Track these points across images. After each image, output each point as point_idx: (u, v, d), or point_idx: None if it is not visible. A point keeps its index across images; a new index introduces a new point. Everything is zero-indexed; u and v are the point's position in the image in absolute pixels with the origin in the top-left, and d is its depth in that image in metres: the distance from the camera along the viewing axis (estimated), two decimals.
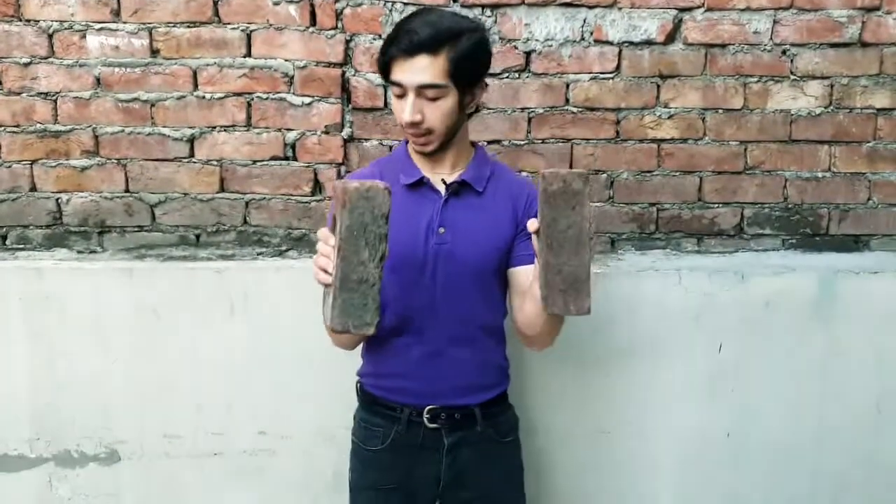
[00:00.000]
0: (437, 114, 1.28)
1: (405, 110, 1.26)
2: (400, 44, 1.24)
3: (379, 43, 1.78)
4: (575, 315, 1.12)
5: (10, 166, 1.81)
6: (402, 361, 1.39)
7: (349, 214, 1.05)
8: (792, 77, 1.85)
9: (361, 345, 1.47)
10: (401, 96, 1.28)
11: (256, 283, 1.78)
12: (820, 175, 1.90)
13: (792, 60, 1.84)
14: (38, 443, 1.80)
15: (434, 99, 1.26)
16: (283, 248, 1.86)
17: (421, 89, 1.25)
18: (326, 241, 1.15)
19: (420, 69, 1.23)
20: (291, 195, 1.84)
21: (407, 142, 1.44)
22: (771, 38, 1.83)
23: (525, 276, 1.38)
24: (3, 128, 1.79)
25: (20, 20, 1.75)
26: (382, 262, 1.08)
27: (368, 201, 1.05)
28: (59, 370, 1.78)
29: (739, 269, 1.83)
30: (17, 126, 1.79)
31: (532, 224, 1.16)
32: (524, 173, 1.82)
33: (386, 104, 1.81)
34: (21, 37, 1.75)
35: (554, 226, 1.09)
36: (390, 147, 1.83)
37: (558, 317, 1.31)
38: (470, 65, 1.28)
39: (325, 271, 1.13)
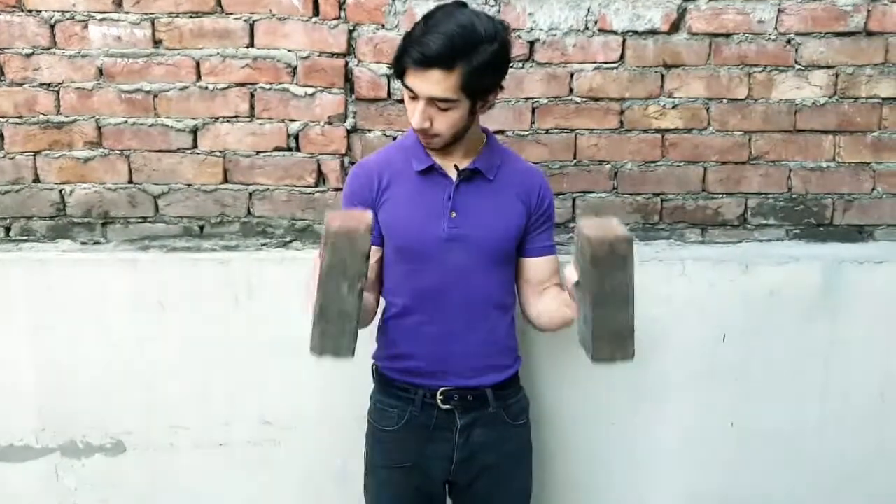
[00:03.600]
0: (446, 122, 1.30)
1: (415, 116, 1.28)
2: (412, 56, 1.22)
3: (383, 32, 1.77)
4: (618, 361, 1.14)
5: (13, 157, 1.80)
6: (415, 343, 1.43)
7: (331, 253, 1.08)
8: (797, 66, 1.84)
9: (375, 328, 1.49)
10: (413, 99, 1.29)
11: (260, 273, 1.78)
12: (824, 165, 1.89)
13: (797, 50, 1.83)
14: (43, 433, 1.81)
15: (445, 109, 1.27)
16: (287, 239, 1.86)
17: (432, 99, 1.26)
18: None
19: (433, 82, 1.23)
20: (295, 186, 1.84)
21: None
22: (775, 28, 1.82)
23: (538, 267, 1.46)
24: (5, 119, 1.78)
25: (22, 10, 1.74)
26: (362, 293, 1.12)
27: (349, 241, 1.08)
28: (64, 361, 1.78)
29: (743, 259, 1.83)
30: (20, 117, 1.78)
31: (570, 277, 1.18)
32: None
33: (389, 95, 1.81)
34: (23, 27, 1.74)
35: (600, 287, 1.10)
36: (394, 137, 1.82)
37: (569, 320, 1.36)
38: (485, 78, 1.26)
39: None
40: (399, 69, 1.27)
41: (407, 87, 1.27)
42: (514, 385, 1.51)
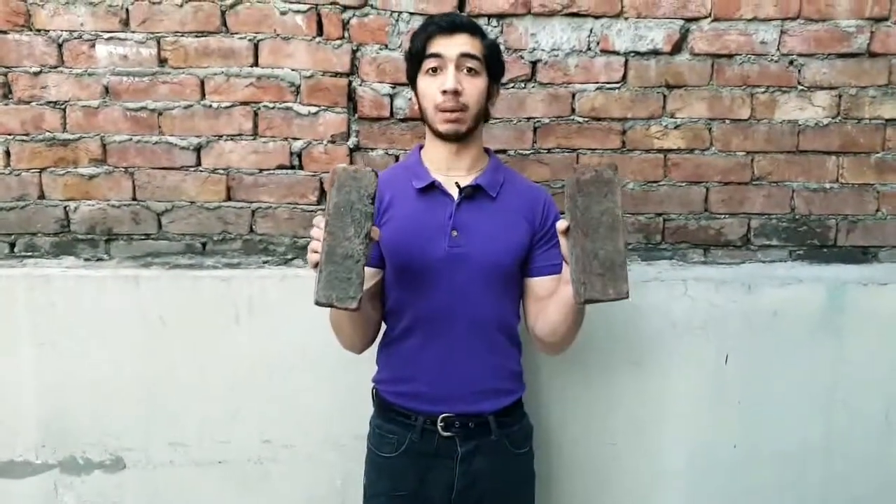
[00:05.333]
0: (474, 89, 1.34)
1: (447, 79, 1.32)
2: (441, 23, 1.35)
3: (386, 52, 1.79)
4: (613, 299, 1.13)
5: (18, 174, 1.82)
6: (416, 365, 1.40)
7: (337, 193, 1.13)
8: (799, 87, 1.84)
9: (376, 350, 1.48)
10: (435, 73, 1.34)
11: (262, 291, 1.78)
12: (828, 186, 1.88)
13: (799, 71, 1.83)
14: (43, 449, 1.81)
15: (471, 74, 1.34)
16: (289, 256, 1.87)
17: (461, 60, 1.32)
18: (319, 225, 1.19)
19: (461, 42, 1.34)
20: (297, 204, 1.84)
21: (420, 147, 1.46)
22: (778, 49, 1.82)
23: (546, 286, 1.40)
24: (12, 136, 1.80)
25: (31, 30, 1.76)
26: (368, 241, 1.15)
27: (356, 181, 1.14)
28: (66, 377, 1.78)
29: (746, 280, 1.82)
30: (27, 134, 1.80)
31: (562, 224, 1.20)
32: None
33: (392, 114, 1.82)
34: (31, 46, 1.77)
35: (588, 213, 1.14)
36: (396, 157, 1.83)
37: (579, 316, 1.32)
38: (497, 58, 1.40)
39: (316, 252, 1.17)
40: (423, 41, 1.35)
41: (433, 54, 1.33)
42: (518, 412, 1.47)
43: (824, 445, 1.87)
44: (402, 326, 1.41)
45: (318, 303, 1.13)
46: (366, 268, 1.33)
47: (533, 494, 1.51)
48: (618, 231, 1.13)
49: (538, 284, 1.43)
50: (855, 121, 1.86)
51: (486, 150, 1.47)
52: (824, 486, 1.89)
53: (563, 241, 1.22)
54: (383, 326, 1.47)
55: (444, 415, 1.38)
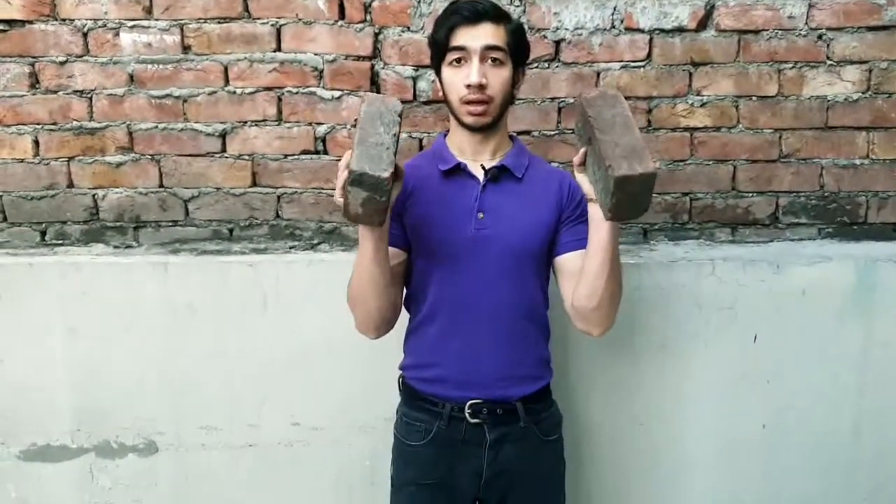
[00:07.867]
0: (498, 80, 1.32)
1: (471, 73, 1.30)
2: (464, 12, 1.31)
3: (408, 35, 1.78)
4: (640, 174, 1.09)
5: (48, 163, 1.84)
6: (441, 350, 1.39)
7: (367, 107, 1.20)
8: (828, 62, 1.81)
9: (402, 339, 1.47)
10: (459, 65, 1.32)
11: (289, 276, 1.80)
12: (858, 162, 1.86)
13: (828, 45, 1.80)
14: (79, 434, 1.84)
15: (496, 65, 1.32)
16: (315, 241, 1.88)
17: (486, 52, 1.30)
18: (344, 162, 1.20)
19: (485, 33, 1.30)
20: (323, 189, 1.85)
21: (445, 134, 1.45)
22: (806, 23, 1.79)
23: (575, 261, 1.36)
24: (40, 126, 1.82)
25: (56, 19, 1.78)
26: (396, 140, 1.18)
27: (382, 101, 1.22)
28: (98, 363, 1.81)
29: (775, 258, 1.81)
30: (55, 124, 1.82)
31: (578, 156, 1.23)
32: (555, 164, 1.81)
33: (416, 96, 1.81)
34: (57, 36, 1.78)
35: (600, 118, 1.17)
36: (420, 140, 1.83)
37: (615, 265, 1.28)
38: (522, 42, 1.37)
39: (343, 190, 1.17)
40: (446, 32, 1.32)
41: (457, 47, 1.31)
42: (546, 398, 1.45)
43: (854, 425, 1.86)
44: (427, 311, 1.40)
45: (352, 171, 1.12)
46: (390, 248, 1.33)
47: (563, 482, 1.49)
48: (632, 127, 1.14)
49: (567, 260, 1.39)
50: (886, 95, 1.82)
51: (511, 137, 1.46)
52: (853, 467, 1.88)
53: (581, 178, 1.24)
54: (405, 314, 1.44)
55: (471, 401, 1.37)
